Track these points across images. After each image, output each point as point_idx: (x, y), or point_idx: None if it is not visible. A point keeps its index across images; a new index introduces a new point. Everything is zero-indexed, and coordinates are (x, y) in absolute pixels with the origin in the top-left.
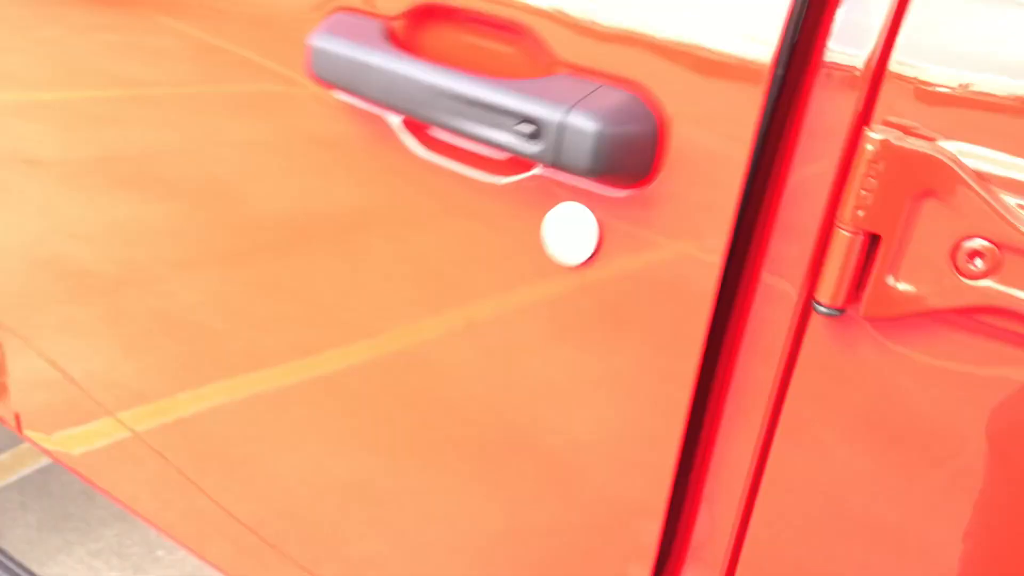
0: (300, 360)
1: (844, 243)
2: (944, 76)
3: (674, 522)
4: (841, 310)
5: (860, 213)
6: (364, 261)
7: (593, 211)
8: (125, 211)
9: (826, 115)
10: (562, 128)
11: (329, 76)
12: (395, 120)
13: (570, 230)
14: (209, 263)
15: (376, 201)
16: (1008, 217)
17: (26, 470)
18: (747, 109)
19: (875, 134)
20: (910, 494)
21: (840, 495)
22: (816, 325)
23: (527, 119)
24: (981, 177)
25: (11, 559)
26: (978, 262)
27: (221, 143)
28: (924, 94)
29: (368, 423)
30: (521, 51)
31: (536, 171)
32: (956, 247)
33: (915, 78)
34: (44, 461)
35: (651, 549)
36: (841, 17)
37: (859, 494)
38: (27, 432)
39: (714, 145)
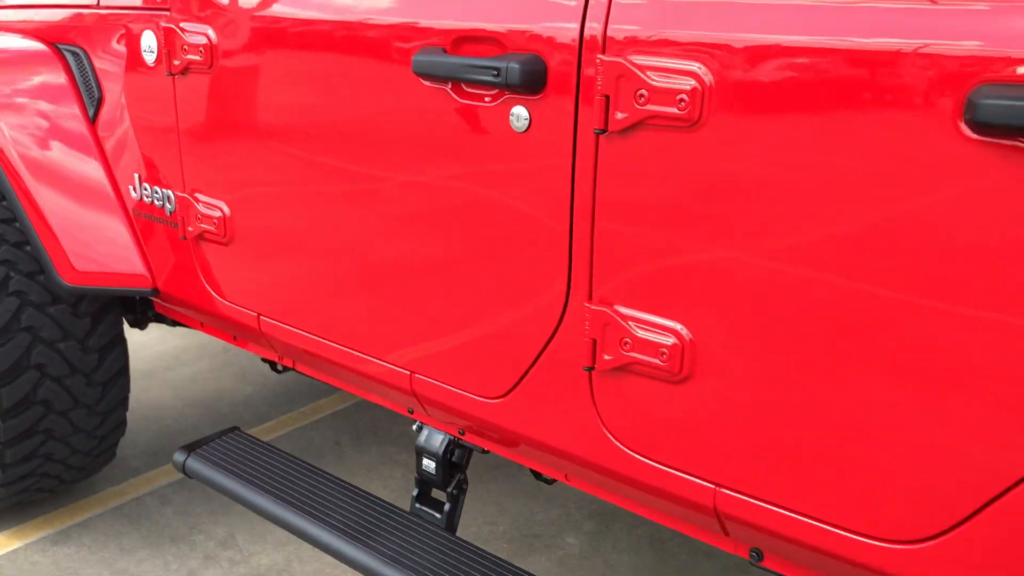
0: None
1: (593, 100)
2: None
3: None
4: (603, 131)
5: (599, 87)
6: (429, 149)
7: (527, 107)
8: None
9: (592, 54)
10: (507, 69)
11: (421, 70)
12: (448, 86)
13: (519, 116)
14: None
15: (439, 124)
16: (649, 81)
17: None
18: (573, 60)
19: (600, 56)
20: (639, 204)
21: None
22: (601, 139)
23: (495, 69)
24: (639, 67)
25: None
26: (642, 99)
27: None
28: (592, 45)
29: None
30: (494, 47)
31: (504, 97)
32: (634, 93)
33: (612, 38)
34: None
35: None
36: (590, 15)
37: (625, 211)
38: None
39: (566, 74)
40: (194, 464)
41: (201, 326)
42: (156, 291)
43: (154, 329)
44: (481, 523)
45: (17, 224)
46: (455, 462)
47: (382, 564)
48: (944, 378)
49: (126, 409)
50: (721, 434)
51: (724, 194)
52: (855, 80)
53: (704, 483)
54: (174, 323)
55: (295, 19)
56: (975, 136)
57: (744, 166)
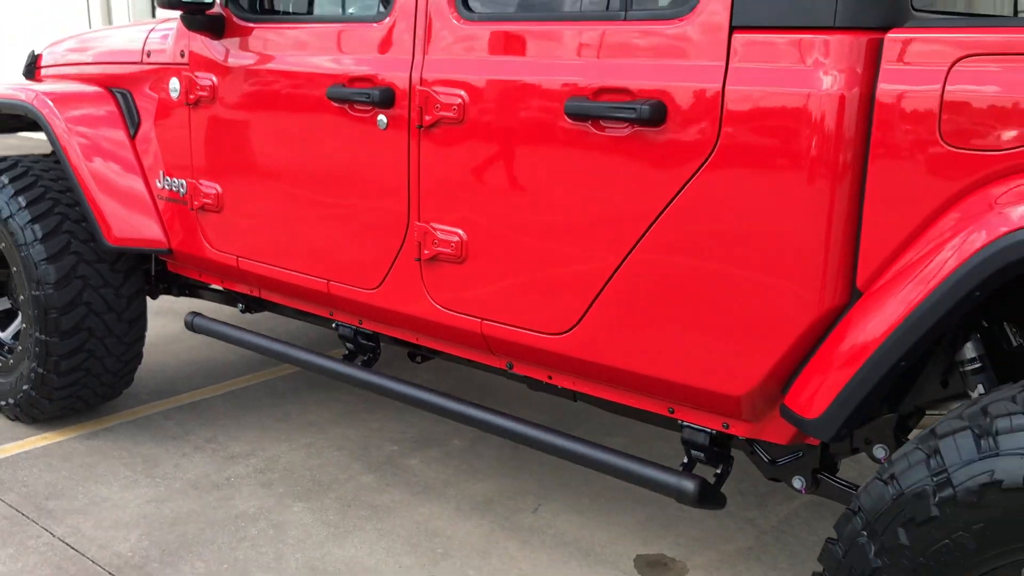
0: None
1: (416, 109)
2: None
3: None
4: (421, 126)
5: (418, 103)
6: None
7: (385, 115)
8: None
9: (415, 86)
10: (372, 94)
11: (332, 96)
12: (347, 106)
13: (381, 121)
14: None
15: (341, 128)
16: (440, 99)
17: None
18: (407, 89)
19: (417, 86)
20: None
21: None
22: (421, 131)
23: (368, 94)
24: (437, 92)
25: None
26: (438, 108)
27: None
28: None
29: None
30: (368, 83)
31: (372, 110)
32: (434, 106)
33: (424, 79)
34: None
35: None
36: (414, 68)
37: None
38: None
39: (404, 95)
40: (199, 321)
41: (199, 274)
42: (170, 251)
43: (157, 318)
44: (395, 431)
45: (78, 207)
46: (363, 343)
47: (331, 363)
48: (579, 249)
49: (143, 344)
50: (482, 288)
51: (454, 159)
52: (529, 99)
53: (475, 318)
54: (180, 292)
55: (262, 70)
56: (570, 124)
57: (481, 143)
